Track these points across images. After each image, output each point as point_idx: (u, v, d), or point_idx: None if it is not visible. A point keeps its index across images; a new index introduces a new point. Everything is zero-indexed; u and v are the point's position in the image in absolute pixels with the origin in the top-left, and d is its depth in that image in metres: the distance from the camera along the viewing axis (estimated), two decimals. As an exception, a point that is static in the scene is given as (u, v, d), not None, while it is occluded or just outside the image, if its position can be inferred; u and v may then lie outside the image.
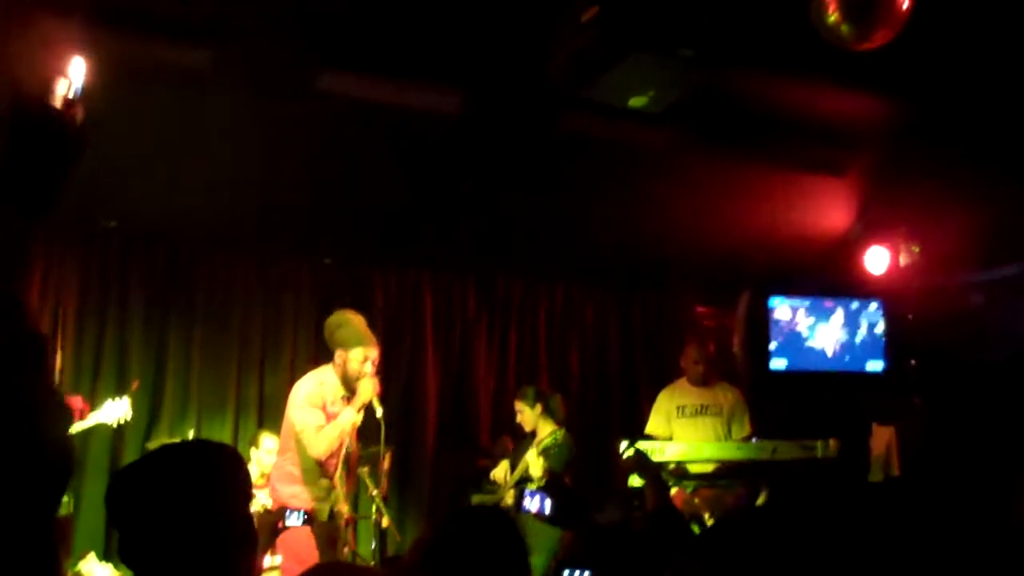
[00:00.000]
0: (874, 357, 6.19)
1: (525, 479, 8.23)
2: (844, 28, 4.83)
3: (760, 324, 5.29)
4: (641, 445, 6.79)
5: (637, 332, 10.63)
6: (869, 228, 8.59)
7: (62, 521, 7.68)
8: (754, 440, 7.23)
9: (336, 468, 6.73)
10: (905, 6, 4.76)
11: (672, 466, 6.78)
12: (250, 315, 9.26)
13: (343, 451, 6.73)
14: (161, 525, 2.41)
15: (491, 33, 5.94)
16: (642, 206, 8.32)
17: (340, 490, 6.77)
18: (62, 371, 8.21)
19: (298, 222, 8.70)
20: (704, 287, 10.19)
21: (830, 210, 8.44)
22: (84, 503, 8.11)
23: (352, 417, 6.60)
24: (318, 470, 6.66)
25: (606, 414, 10.30)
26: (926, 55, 5.98)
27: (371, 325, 6.99)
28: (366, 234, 9.04)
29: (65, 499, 7.68)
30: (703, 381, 8.12)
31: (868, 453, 7.16)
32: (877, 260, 8.54)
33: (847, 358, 6.06)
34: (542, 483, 7.98)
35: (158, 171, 7.41)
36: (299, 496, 6.63)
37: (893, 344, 5.93)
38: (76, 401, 5.95)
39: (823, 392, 6.59)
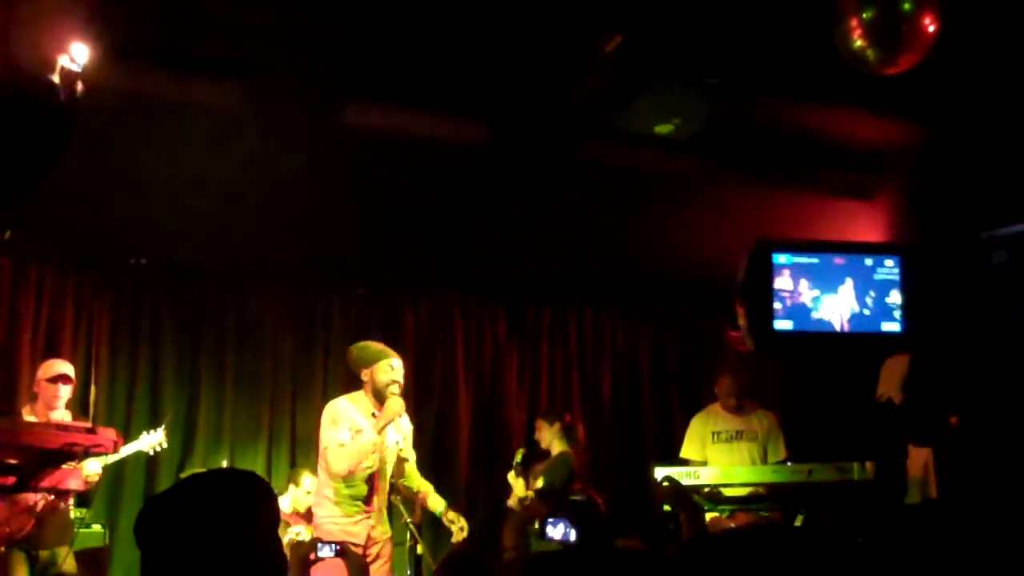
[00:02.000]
0: (890, 318, 6.02)
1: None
2: (870, 53, 4.84)
3: (762, 281, 5.20)
4: (676, 471, 6.80)
5: (668, 356, 10.63)
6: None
7: (97, 552, 7.74)
8: (789, 464, 7.21)
9: (376, 492, 6.74)
10: (931, 30, 4.77)
11: (707, 490, 6.78)
12: (281, 346, 9.31)
13: (382, 476, 6.76)
14: (189, 552, 2.41)
15: (516, 63, 5.97)
16: (671, 232, 8.33)
17: (382, 514, 6.81)
18: (96, 404, 8.28)
19: (328, 253, 8.76)
20: (735, 312, 10.17)
21: (858, 234, 8.42)
22: (119, 534, 8.16)
23: (373, 436, 6.63)
24: (350, 492, 6.70)
25: (639, 439, 10.29)
26: (953, 79, 5.98)
27: (402, 354, 7.04)
28: (395, 264, 9.08)
29: (100, 530, 7.79)
30: (737, 408, 8.12)
31: (905, 475, 7.12)
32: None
33: (861, 319, 5.87)
34: (528, 503, 8.00)
35: (188, 206, 7.47)
36: (334, 519, 6.67)
37: (911, 304, 5.79)
38: (110, 434, 6.00)
39: (833, 354, 6.48)
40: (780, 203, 7.87)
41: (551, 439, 8.53)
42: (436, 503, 7.06)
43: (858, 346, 6.15)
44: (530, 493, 8.10)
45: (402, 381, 6.79)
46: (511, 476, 8.23)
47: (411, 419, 7.16)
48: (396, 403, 6.66)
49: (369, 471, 6.71)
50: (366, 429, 6.64)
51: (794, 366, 8.47)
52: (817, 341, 5.78)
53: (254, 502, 2.53)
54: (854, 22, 4.75)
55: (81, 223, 7.89)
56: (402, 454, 6.91)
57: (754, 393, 8.25)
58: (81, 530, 7.35)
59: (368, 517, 6.68)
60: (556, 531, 5.61)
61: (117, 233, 8.15)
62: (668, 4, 5.35)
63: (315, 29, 5.66)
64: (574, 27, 5.53)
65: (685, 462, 8.10)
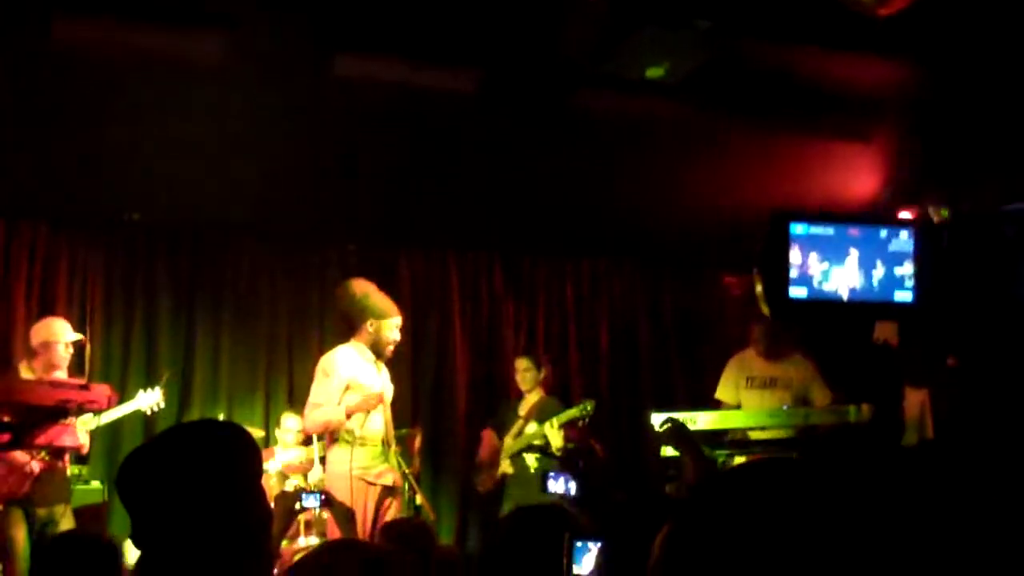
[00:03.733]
0: (902, 287, 6.06)
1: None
2: (862, -8, 4.80)
3: (780, 249, 5.23)
4: (675, 416, 6.80)
5: (666, 305, 10.61)
6: (897, 193, 8.53)
7: (96, 509, 7.77)
8: (786, 407, 7.20)
9: (388, 427, 6.80)
10: (923, -33, 4.73)
11: (703, 434, 6.77)
12: (277, 302, 9.32)
13: (388, 425, 6.80)
14: (172, 506, 2.37)
15: (506, 11, 5.92)
16: (665, 178, 8.29)
17: (392, 460, 6.84)
18: (92, 361, 8.27)
19: (320, 208, 8.73)
20: (732, 258, 10.16)
21: (857, 177, 8.37)
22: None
23: (340, 415, 6.69)
24: (371, 435, 6.77)
25: (636, 388, 10.29)
26: (947, 18, 5.93)
27: (398, 308, 7.07)
28: (389, 217, 9.06)
29: (99, 486, 7.80)
30: (769, 355, 8.02)
31: (902, 416, 7.12)
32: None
33: (874, 288, 5.92)
34: (561, 453, 7.97)
35: (179, 162, 7.45)
36: (360, 463, 6.72)
37: (924, 274, 5.83)
38: (104, 390, 5.98)
39: (846, 321, 6.50)
40: (777, 148, 7.84)
41: (533, 384, 8.56)
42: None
43: (870, 314, 6.20)
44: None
45: (397, 339, 6.94)
46: (551, 427, 8.13)
47: (408, 372, 7.21)
48: (374, 397, 6.77)
49: (379, 415, 6.78)
50: (369, 377, 6.69)
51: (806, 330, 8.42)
52: (829, 309, 5.83)
53: (236, 453, 2.51)
54: (847, -38, 4.71)
55: (74, 180, 7.87)
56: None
57: (790, 340, 8.14)
58: (79, 486, 7.37)
59: (388, 461, 6.76)
60: (557, 485, 5.62)
61: (110, 190, 8.12)
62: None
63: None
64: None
65: (718, 404, 8.06)
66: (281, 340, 9.28)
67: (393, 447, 6.85)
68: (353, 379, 6.77)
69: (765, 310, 5.24)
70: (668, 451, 6.95)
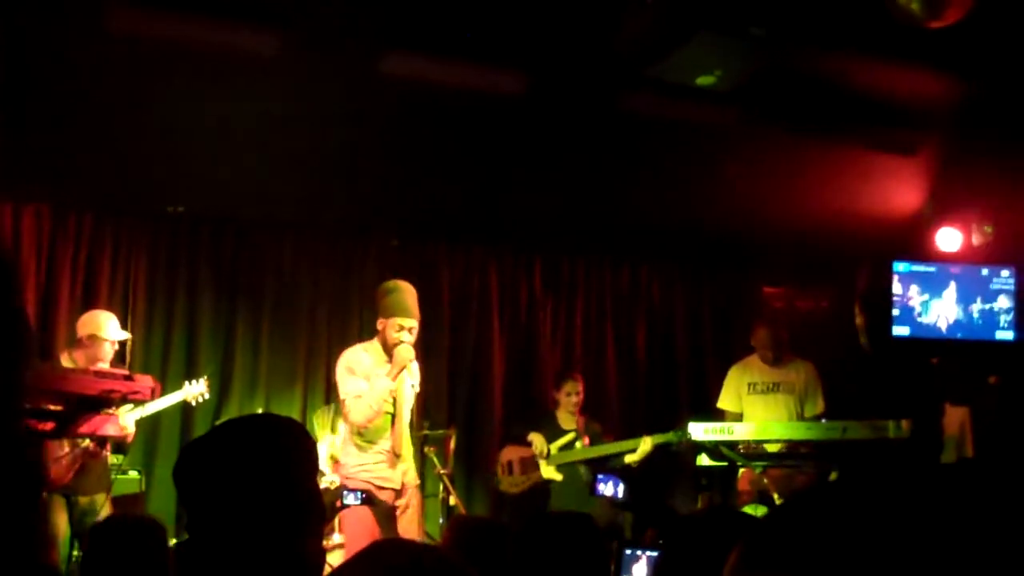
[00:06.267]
0: (1003, 326, 6.07)
1: (608, 457, 8.23)
2: (915, 5, 4.78)
3: (883, 289, 5.24)
4: (711, 425, 6.80)
5: (704, 311, 10.59)
6: (941, 208, 8.49)
7: (134, 498, 7.82)
8: (824, 421, 7.19)
9: (399, 436, 6.74)
10: (978, -18, 4.71)
11: (741, 446, 6.77)
12: (317, 296, 9.36)
13: (400, 420, 6.75)
14: (229, 498, 2.40)
15: (557, 13, 5.93)
16: (709, 185, 8.28)
17: (410, 462, 6.82)
18: (132, 353, 8.33)
19: (365, 204, 8.77)
20: (773, 266, 10.15)
21: (901, 190, 8.34)
22: (154, 480, 8.24)
23: (388, 384, 6.64)
24: (376, 439, 6.74)
25: (673, 394, 10.28)
26: (997, 33, 5.89)
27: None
28: (432, 215, 9.08)
29: (137, 476, 7.86)
30: (775, 360, 8.09)
31: (941, 433, 7.09)
32: (949, 240, 8.42)
33: (975, 325, 5.93)
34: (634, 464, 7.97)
35: (225, 155, 7.49)
36: (365, 466, 6.72)
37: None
38: (147, 381, 6.02)
39: (949, 360, 6.51)
40: (822, 158, 7.81)
41: (577, 404, 8.58)
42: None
43: (972, 352, 6.25)
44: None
45: (409, 340, 6.74)
46: (646, 444, 8.08)
47: (445, 371, 7.17)
48: (406, 351, 6.65)
49: (390, 417, 6.74)
50: (380, 377, 6.66)
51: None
52: (932, 347, 5.87)
53: (293, 446, 2.53)
54: (901, -26, 4.69)
55: (119, 172, 7.92)
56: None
57: (792, 347, 8.22)
58: (118, 476, 7.41)
59: (401, 462, 6.70)
60: (607, 487, 5.63)
61: (155, 182, 8.17)
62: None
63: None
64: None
65: (721, 413, 8.10)
66: (321, 333, 9.31)
67: (406, 453, 6.79)
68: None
69: (866, 345, 5.27)
70: (703, 460, 6.96)
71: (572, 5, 5.83)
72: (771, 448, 6.91)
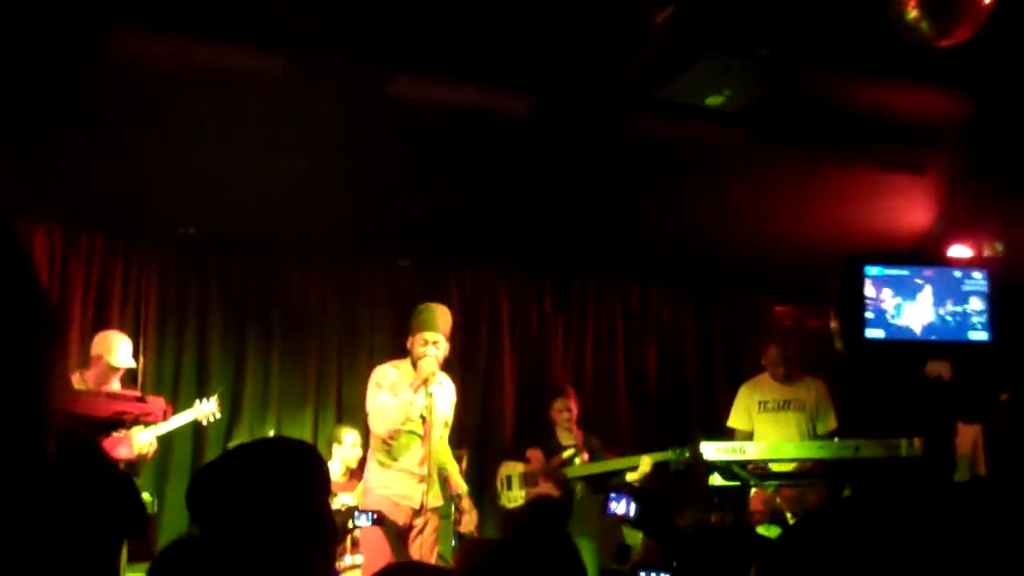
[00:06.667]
0: (976, 327, 6.12)
1: (609, 475, 8.23)
2: (924, 24, 4.77)
3: (855, 292, 5.27)
4: (722, 445, 6.80)
5: (714, 332, 10.60)
6: (950, 226, 8.49)
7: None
8: (836, 439, 7.18)
9: (427, 457, 6.76)
10: (986, 1, 4.70)
11: (752, 466, 6.77)
12: (327, 317, 9.38)
13: (430, 441, 6.77)
14: (242, 521, 2.43)
15: (564, 35, 5.94)
16: (719, 206, 8.29)
17: (435, 483, 6.82)
18: (144, 374, 8.35)
19: (374, 225, 8.79)
20: (783, 286, 10.14)
21: (910, 208, 8.34)
22: (167, 503, 8.25)
23: (410, 396, 6.70)
24: (402, 456, 6.77)
25: (683, 414, 10.28)
26: (1007, 51, 5.90)
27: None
28: (441, 237, 9.10)
29: (149, 499, 7.85)
30: (785, 378, 8.09)
31: (953, 452, 7.08)
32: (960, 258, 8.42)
33: (948, 326, 5.99)
34: (635, 482, 7.97)
35: (235, 177, 7.51)
36: (386, 483, 6.77)
37: (998, 313, 5.86)
38: (159, 403, 6.04)
39: (922, 362, 6.53)
40: (830, 177, 7.81)
41: (571, 420, 8.62)
42: (459, 484, 7.08)
43: (946, 354, 6.26)
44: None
45: (438, 355, 6.82)
46: (646, 462, 8.07)
47: (456, 393, 7.19)
48: (428, 363, 6.73)
49: (416, 436, 6.76)
50: (406, 393, 6.70)
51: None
52: (906, 349, 5.88)
53: (306, 469, 2.55)
54: (909, -7, 4.69)
55: (131, 193, 7.95)
56: (449, 420, 6.99)
57: (803, 365, 8.21)
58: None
59: (422, 482, 6.71)
60: (619, 506, 5.63)
61: (166, 203, 8.20)
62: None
63: (364, 1, 5.65)
64: (624, -2, 5.49)
65: (731, 432, 8.10)
66: (331, 354, 9.34)
67: (434, 473, 6.81)
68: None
69: (840, 348, 5.28)
70: (716, 480, 6.96)
71: (580, 27, 5.83)
72: (783, 467, 6.90)
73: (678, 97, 5.95)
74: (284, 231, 8.87)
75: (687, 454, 7.81)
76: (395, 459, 6.77)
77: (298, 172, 7.45)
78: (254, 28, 5.87)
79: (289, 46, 5.94)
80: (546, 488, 8.38)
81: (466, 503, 6.98)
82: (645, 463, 7.95)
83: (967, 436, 7.06)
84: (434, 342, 6.81)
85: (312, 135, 6.98)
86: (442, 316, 6.94)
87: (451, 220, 8.63)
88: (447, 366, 7.10)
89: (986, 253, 8.17)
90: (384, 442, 6.79)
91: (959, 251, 8.39)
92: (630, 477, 8.01)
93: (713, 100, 5.83)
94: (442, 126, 6.93)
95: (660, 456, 7.94)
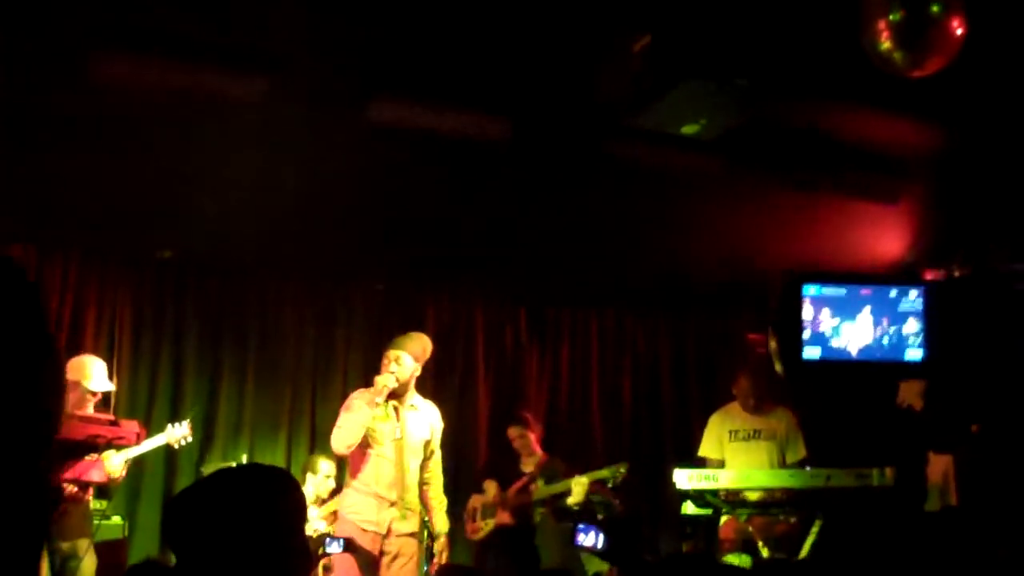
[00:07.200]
0: (913, 346, 6.20)
1: (555, 497, 8.22)
2: (897, 55, 4.81)
3: (793, 312, 5.32)
4: (694, 472, 6.82)
5: (689, 358, 10.62)
6: (923, 255, 8.54)
7: (117, 544, 7.76)
8: (808, 468, 7.20)
9: (398, 484, 6.75)
10: (959, 33, 4.75)
11: (724, 494, 6.78)
12: (302, 340, 9.35)
13: (401, 468, 6.76)
14: (219, 548, 2.43)
15: (541, 60, 5.96)
16: (694, 233, 8.33)
17: (409, 509, 6.80)
18: (117, 397, 8.31)
19: (350, 249, 8.78)
20: (757, 314, 10.18)
21: (884, 237, 8.39)
22: (137, 526, 8.20)
23: (367, 412, 6.72)
24: (372, 482, 6.75)
25: (658, 441, 10.28)
26: (979, 81, 5.95)
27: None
28: (417, 261, 9.09)
29: (120, 522, 7.81)
30: (756, 408, 8.10)
31: (925, 482, 7.11)
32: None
33: (884, 347, 6.07)
34: (578, 508, 7.97)
35: (212, 200, 7.50)
36: (355, 507, 6.75)
37: (934, 333, 5.95)
38: (133, 426, 6.02)
39: (859, 383, 6.60)
40: (804, 205, 7.85)
41: (531, 446, 8.61)
42: (442, 523, 7.07)
43: (882, 374, 6.32)
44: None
45: (397, 373, 6.81)
46: (578, 482, 8.07)
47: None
48: (382, 378, 6.75)
49: (386, 459, 6.75)
50: (363, 409, 6.71)
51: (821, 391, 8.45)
52: (842, 369, 5.95)
53: (283, 496, 2.55)
54: (882, 24, 4.72)
55: (107, 215, 7.93)
56: (428, 447, 6.97)
57: (774, 395, 8.23)
58: (101, 522, 7.37)
59: (392, 506, 6.69)
60: (587, 538, 5.61)
61: (142, 226, 8.18)
62: (696, 4, 5.33)
63: (341, 25, 5.66)
64: (602, 25, 5.52)
65: (703, 461, 8.11)
66: (305, 378, 9.31)
67: (410, 501, 6.80)
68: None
69: (779, 369, 5.31)
70: (688, 508, 6.97)
71: (557, 52, 5.86)
72: (756, 496, 6.91)
73: (654, 125, 5.98)
74: (260, 254, 8.87)
75: (622, 470, 7.84)
76: (365, 484, 6.75)
77: (274, 195, 7.45)
78: (231, 51, 5.87)
79: (267, 70, 5.94)
80: (504, 518, 8.37)
81: (439, 544, 6.97)
82: (579, 484, 7.96)
83: (938, 466, 7.08)
84: (396, 359, 6.81)
85: (289, 158, 6.99)
86: (414, 338, 6.97)
87: (428, 244, 8.63)
88: (419, 391, 7.10)
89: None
90: (349, 463, 6.81)
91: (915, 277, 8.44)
92: (569, 502, 8.01)
93: (689, 128, 5.86)
94: (420, 150, 6.94)
95: (596, 475, 7.97)
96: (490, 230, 8.30)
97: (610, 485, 8.03)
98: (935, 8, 4.68)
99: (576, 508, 7.98)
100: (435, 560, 6.94)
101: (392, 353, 6.84)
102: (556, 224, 8.19)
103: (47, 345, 1.90)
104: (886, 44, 4.77)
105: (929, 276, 8.35)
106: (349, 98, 6.25)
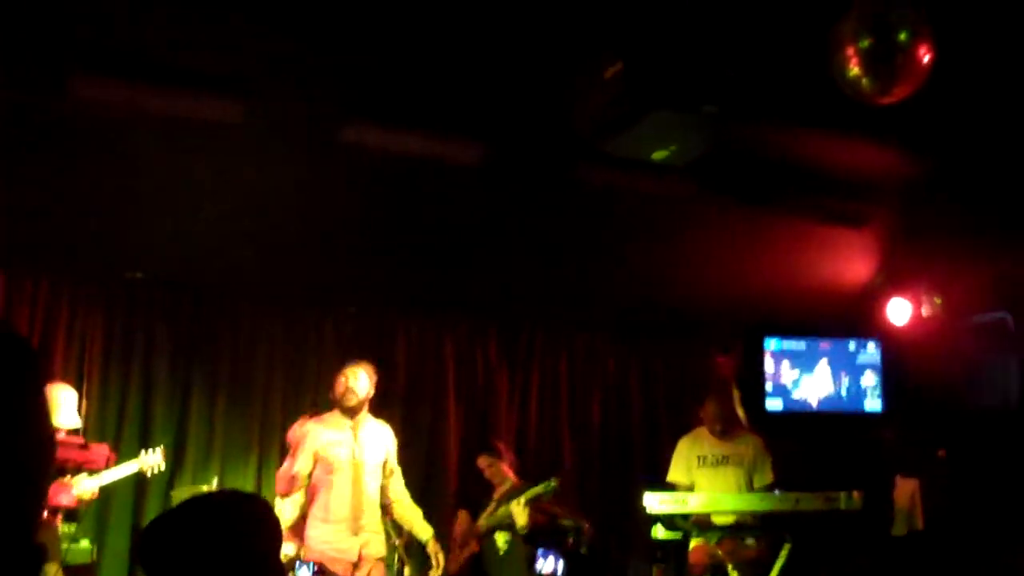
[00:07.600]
0: (872, 397, 6.28)
1: (502, 527, 8.22)
2: (865, 82, 4.87)
3: (755, 365, 5.38)
4: (664, 496, 6.84)
5: (659, 382, 10.63)
6: (890, 279, 8.61)
7: (85, 568, 7.71)
8: (776, 492, 7.24)
9: (359, 508, 6.75)
10: (925, 60, 4.81)
11: (694, 517, 6.81)
12: (273, 363, 9.31)
13: (358, 491, 6.77)
14: (195, 574, 2.44)
15: (514, 86, 6.01)
16: (664, 257, 8.37)
17: (372, 534, 6.81)
18: (87, 420, 8.26)
19: (321, 272, 8.78)
20: (725, 338, 10.22)
21: (851, 262, 8.46)
22: (106, 550, 8.14)
23: (298, 466, 6.84)
24: (335, 509, 6.76)
25: (628, 464, 10.29)
26: (946, 109, 6.02)
27: (393, 373, 7.11)
28: (388, 284, 9.10)
29: (88, 546, 7.76)
30: (723, 433, 8.11)
31: (892, 506, 7.16)
32: (899, 311, 8.53)
33: (843, 399, 6.14)
34: (524, 531, 7.98)
35: (183, 223, 7.50)
36: (323, 537, 6.75)
37: (891, 384, 6.03)
38: (103, 450, 5.99)
39: (821, 432, 6.69)
40: (773, 230, 7.91)
41: (502, 474, 8.60)
42: (423, 531, 7.08)
43: (843, 425, 6.42)
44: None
45: (352, 386, 6.92)
46: (517, 505, 8.08)
47: (400, 440, 7.19)
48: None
49: (346, 485, 6.75)
50: (302, 455, 6.83)
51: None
52: (804, 420, 6.04)
53: (258, 523, 2.56)
54: (850, 51, 4.78)
55: (77, 237, 7.91)
56: (387, 467, 6.98)
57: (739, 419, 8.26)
58: (70, 546, 7.32)
59: (357, 534, 6.69)
60: (546, 564, 5.61)
61: (113, 248, 8.16)
62: (668, 32, 5.38)
63: (314, 49, 5.69)
64: (574, 52, 5.56)
65: (672, 486, 8.11)
66: (276, 402, 9.25)
67: (370, 525, 6.81)
68: (320, 449, 6.84)
69: (744, 419, 5.41)
70: (659, 532, 6.99)
71: (530, 79, 5.91)
72: (725, 519, 6.94)
73: (625, 151, 6.02)
74: (232, 277, 8.84)
75: (553, 484, 7.85)
76: (328, 511, 6.74)
77: (246, 218, 7.45)
78: (206, 77, 5.89)
79: (242, 93, 5.97)
80: (475, 548, 8.38)
81: (432, 547, 6.98)
82: (516, 507, 7.98)
83: (905, 490, 7.14)
84: (354, 374, 6.96)
85: (263, 182, 7.00)
86: (368, 362, 7.09)
87: (399, 267, 8.65)
88: (389, 414, 7.12)
89: (924, 307, 8.29)
90: (308, 493, 6.85)
91: (898, 304, 8.51)
92: (519, 525, 8.01)
93: (659, 155, 5.90)
94: (392, 173, 6.97)
95: (529, 494, 7.98)
96: (462, 254, 8.32)
97: (544, 501, 8.03)
98: (903, 35, 4.75)
99: (523, 532, 7.98)
100: (435, 565, 6.92)
101: (350, 370, 6.89)
102: (528, 248, 8.22)
103: (40, 368, 1.91)
104: (854, 71, 4.83)
105: (895, 302, 8.44)
106: (322, 122, 6.28)
